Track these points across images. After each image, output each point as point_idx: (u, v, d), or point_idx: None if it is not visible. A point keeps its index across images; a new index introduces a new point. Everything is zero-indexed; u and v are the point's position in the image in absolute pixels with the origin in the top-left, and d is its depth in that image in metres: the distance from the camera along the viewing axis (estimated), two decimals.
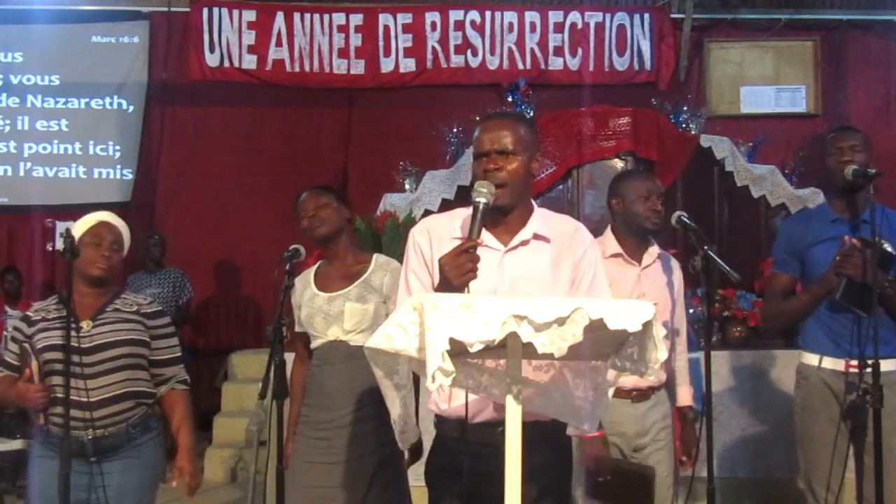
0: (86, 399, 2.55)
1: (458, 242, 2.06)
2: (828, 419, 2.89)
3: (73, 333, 2.54)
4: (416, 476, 2.43)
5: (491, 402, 2.03)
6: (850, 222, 2.93)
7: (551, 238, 2.16)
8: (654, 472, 2.86)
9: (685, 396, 3.15)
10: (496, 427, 1.99)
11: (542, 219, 2.18)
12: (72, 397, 2.52)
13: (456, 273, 1.86)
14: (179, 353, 2.87)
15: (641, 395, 2.99)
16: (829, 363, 2.92)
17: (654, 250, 3.06)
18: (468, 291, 1.89)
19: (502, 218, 2.12)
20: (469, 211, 2.15)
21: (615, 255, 3.02)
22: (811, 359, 2.98)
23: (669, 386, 3.13)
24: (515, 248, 2.13)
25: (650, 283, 3.01)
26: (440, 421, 2.18)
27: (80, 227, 2.72)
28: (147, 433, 2.70)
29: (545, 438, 2.03)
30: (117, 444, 2.62)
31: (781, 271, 3.10)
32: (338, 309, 2.92)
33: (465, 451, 2.03)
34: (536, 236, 2.15)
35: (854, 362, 2.82)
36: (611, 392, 1.91)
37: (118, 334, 2.66)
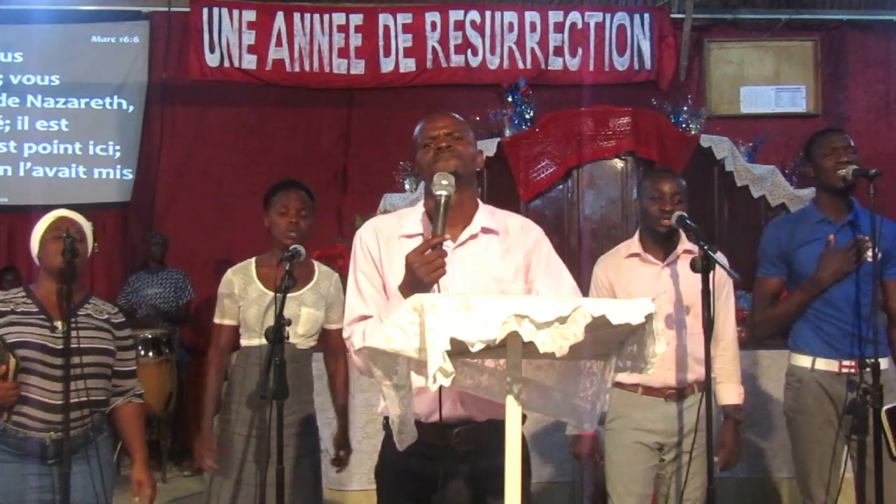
0: (51, 401, 2.56)
1: (407, 242, 2.06)
2: (824, 421, 2.89)
3: (47, 333, 2.57)
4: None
5: (439, 403, 1.97)
6: (835, 223, 2.95)
7: (499, 231, 2.13)
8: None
9: (726, 394, 3.03)
10: (452, 428, 2.01)
11: (487, 213, 2.16)
12: (37, 398, 2.55)
13: (425, 270, 1.83)
14: (136, 367, 2.89)
15: (676, 394, 2.93)
16: (823, 364, 2.92)
17: (680, 247, 3.02)
18: (438, 289, 1.86)
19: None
20: (414, 210, 2.18)
21: (632, 256, 3.05)
22: (804, 360, 2.98)
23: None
24: (464, 242, 2.10)
25: (674, 279, 2.97)
26: (389, 422, 2.11)
27: (41, 227, 2.72)
28: (101, 433, 2.74)
29: (503, 439, 1.99)
30: (77, 447, 2.62)
31: (769, 275, 3.09)
32: (292, 311, 2.93)
33: (421, 453, 1.95)
34: (485, 230, 2.12)
35: (847, 363, 2.84)
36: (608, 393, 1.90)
37: (92, 342, 2.66)
